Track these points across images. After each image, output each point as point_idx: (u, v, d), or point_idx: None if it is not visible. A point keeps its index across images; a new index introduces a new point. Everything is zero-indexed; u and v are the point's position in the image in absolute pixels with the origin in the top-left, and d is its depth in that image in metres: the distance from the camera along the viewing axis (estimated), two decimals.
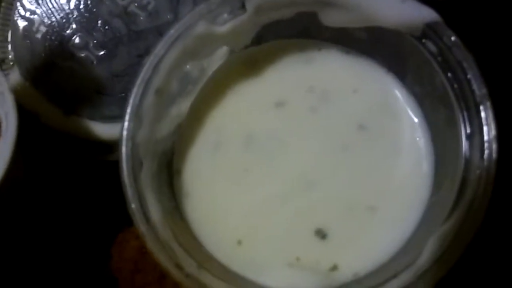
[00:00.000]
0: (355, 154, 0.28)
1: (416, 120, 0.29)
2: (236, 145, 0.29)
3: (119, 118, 0.28)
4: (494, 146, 0.23)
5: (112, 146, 0.34)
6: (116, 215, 0.28)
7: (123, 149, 0.25)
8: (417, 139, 0.28)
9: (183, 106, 0.30)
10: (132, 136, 0.26)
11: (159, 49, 0.27)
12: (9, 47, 0.35)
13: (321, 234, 0.27)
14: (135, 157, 0.26)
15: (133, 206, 0.25)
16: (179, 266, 0.24)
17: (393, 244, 0.26)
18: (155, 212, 0.25)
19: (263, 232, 0.27)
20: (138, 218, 0.24)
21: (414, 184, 0.27)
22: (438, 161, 0.27)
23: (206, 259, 0.26)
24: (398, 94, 0.29)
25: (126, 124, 0.26)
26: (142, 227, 0.24)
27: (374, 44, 0.29)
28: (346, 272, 0.26)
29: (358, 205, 0.27)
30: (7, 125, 0.26)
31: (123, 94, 0.34)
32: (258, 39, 0.31)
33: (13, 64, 0.35)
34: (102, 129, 0.34)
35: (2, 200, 0.26)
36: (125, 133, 0.25)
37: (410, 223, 0.26)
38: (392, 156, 0.28)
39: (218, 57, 0.30)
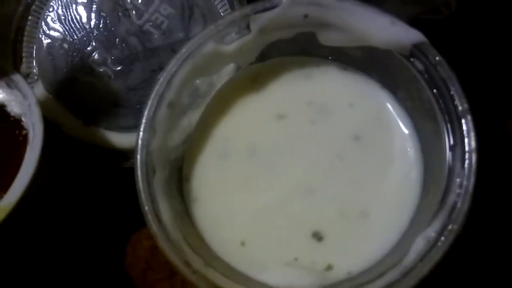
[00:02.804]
0: (350, 163, 0.31)
1: (406, 131, 0.31)
2: (241, 154, 0.32)
3: (134, 128, 0.31)
4: (474, 157, 0.25)
5: (127, 154, 0.37)
6: (130, 217, 0.30)
7: (138, 157, 0.28)
8: (408, 149, 0.30)
9: (193, 118, 0.33)
10: (146, 145, 0.28)
11: (171, 66, 0.30)
12: (34, 62, 0.38)
13: (317, 237, 0.29)
14: (149, 164, 0.28)
15: (146, 208, 0.27)
16: (187, 263, 0.26)
17: (384, 245, 0.28)
18: (166, 214, 0.27)
19: (264, 234, 0.30)
20: (150, 219, 0.27)
21: (404, 190, 0.29)
22: (426, 169, 0.29)
23: (212, 258, 0.28)
24: (391, 108, 0.31)
25: (141, 134, 0.28)
26: (154, 227, 0.27)
27: (368, 62, 0.31)
28: (340, 272, 0.28)
29: (352, 210, 0.29)
30: (34, 135, 0.29)
31: (138, 106, 0.37)
32: (262, 57, 0.33)
33: (37, 79, 0.38)
34: (119, 139, 0.37)
35: (30, 201, 0.29)
36: (140, 142, 0.28)
37: (399, 227, 0.28)
38: (385, 165, 0.30)
39: (226, 73, 0.33)
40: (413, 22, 0.28)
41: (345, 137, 0.31)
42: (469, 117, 0.26)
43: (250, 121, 0.33)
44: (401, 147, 0.31)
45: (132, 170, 0.28)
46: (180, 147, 0.32)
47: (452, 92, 0.26)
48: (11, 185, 0.27)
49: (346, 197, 0.30)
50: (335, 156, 0.31)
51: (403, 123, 0.31)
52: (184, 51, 0.30)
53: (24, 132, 0.30)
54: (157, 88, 0.29)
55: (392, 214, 0.29)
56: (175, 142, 0.31)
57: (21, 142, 0.29)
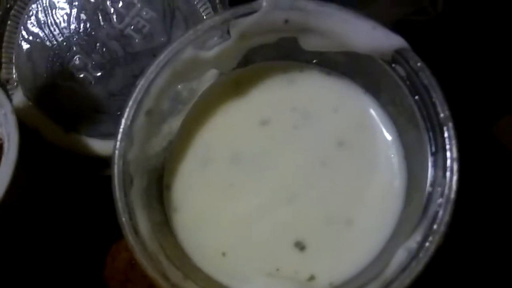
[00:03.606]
0: (334, 169, 0.30)
1: (390, 138, 0.30)
2: (223, 161, 0.31)
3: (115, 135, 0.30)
4: (455, 166, 0.24)
5: (108, 161, 0.36)
6: (111, 226, 0.30)
7: (115, 167, 0.27)
8: (391, 155, 0.30)
9: (174, 125, 0.32)
10: (123, 155, 0.28)
11: (149, 73, 0.29)
12: (14, 68, 0.37)
13: (300, 246, 0.29)
14: (126, 174, 0.28)
15: (123, 219, 0.26)
16: (165, 277, 0.25)
17: (367, 255, 0.28)
18: (143, 225, 0.27)
19: (246, 244, 0.29)
20: (127, 230, 0.26)
21: (388, 198, 0.29)
22: (409, 177, 0.29)
23: (192, 270, 0.28)
24: (374, 114, 0.31)
25: (118, 144, 0.28)
26: (131, 239, 0.26)
27: (351, 67, 0.31)
28: (323, 282, 0.27)
29: (336, 217, 0.29)
30: (9, 146, 0.29)
31: (119, 113, 0.36)
32: (245, 62, 0.33)
33: (16, 85, 0.37)
34: (100, 146, 0.36)
35: (7, 210, 0.28)
36: (117, 152, 0.27)
37: (383, 235, 0.28)
38: (368, 171, 0.30)
39: (207, 78, 0.32)
40: (400, 24, 0.27)
41: (329, 143, 0.31)
42: (450, 125, 0.25)
43: (233, 127, 0.32)
44: (384, 153, 0.30)
45: None
46: (160, 154, 0.31)
47: (433, 99, 0.26)
48: None
49: (330, 205, 0.29)
50: (319, 162, 0.30)
51: (386, 129, 0.31)
52: (162, 57, 0.29)
53: None
54: (135, 95, 0.29)
55: (376, 222, 0.29)
56: (155, 150, 0.30)
57: None
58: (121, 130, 0.28)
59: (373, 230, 0.29)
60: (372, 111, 0.31)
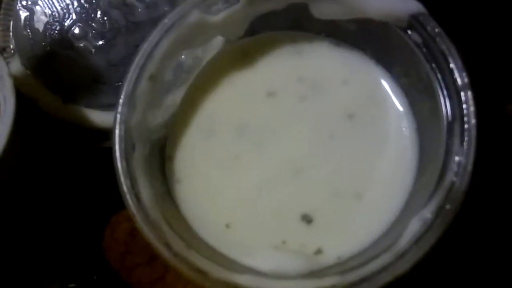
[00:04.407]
0: (343, 142, 0.29)
1: (402, 110, 0.29)
2: (228, 132, 0.30)
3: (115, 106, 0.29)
4: (474, 133, 0.24)
5: (108, 133, 0.35)
6: (109, 198, 0.29)
7: (116, 131, 0.26)
8: (403, 128, 0.29)
9: (177, 95, 0.31)
10: (125, 120, 0.27)
11: (153, 36, 0.28)
12: (11, 36, 0.36)
13: (307, 219, 0.28)
14: (128, 140, 0.26)
15: (124, 187, 0.25)
16: (167, 245, 0.24)
17: (376, 229, 0.27)
18: (146, 193, 0.26)
19: (251, 216, 0.28)
20: (128, 198, 0.25)
21: (399, 171, 0.28)
22: (422, 149, 0.28)
23: (195, 241, 0.27)
24: (386, 85, 0.30)
25: (119, 108, 0.26)
26: (132, 207, 0.25)
27: (363, 36, 0.30)
28: (330, 256, 0.26)
29: (344, 191, 0.28)
30: (5, 109, 0.27)
31: (119, 83, 0.35)
32: (252, 31, 0.31)
33: (14, 53, 0.36)
34: (99, 117, 0.35)
35: (2, 177, 0.27)
36: (118, 116, 0.26)
37: (393, 209, 0.27)
38: (379, 144, 0.29)
39: (213, 46, 0.31)
40: None
41: (338, 115, 0.30)
42: (469, 92, 0.24)
43: (238, 98, 0.31)
44: (396, 126, 0.29)
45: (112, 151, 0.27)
46: (163, 127, 0.30)
47: (451, 66, 0.25)
48: None
49: (338, 178, 0.28)
50: (327, 135, 0.29)
51: (398, 101, 0.30)
52: (167, 21, 0.28)
53: None
54: (138, 59, 0.27)
55: (386, 196, 0.28)
56: (158, 121, 0.29)
57: None
58: (123, 94, 0.27)
59: (383, 204, 0.28)
60: (384, 83, 0.30)
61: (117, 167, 0.26)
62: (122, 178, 0.25)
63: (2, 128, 0.26)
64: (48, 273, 0.31)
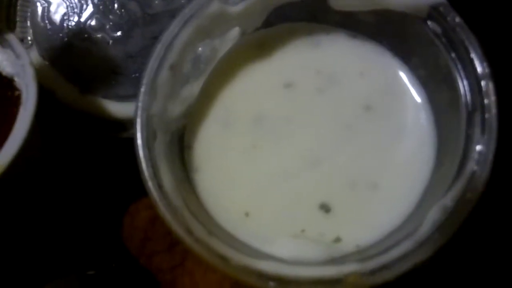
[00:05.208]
0: (360, 133, 0.29)
1: (420, 101, 0.29)
2: (246, 123, 0.30)
3: (133, 97, 0.29)
4: (495, 123, 0.24)
5: (125, 124, 0.35)
6: (128, 188, 0.29)
7: (138, 120, 0.26)
8: (421, 119, 0.29)
9: (195, 87, 0.31)
10: (146, 109, 0.27)
11: (173, 26, 0.28)
12: (29, 27, 0.36)
13: (325, 208, 0.28)
14: (149, 128, 0.27)
15: (146, 174, 0.26)
16: (189, 231, 0.25)
17: (394, 218, 0.27)
18: (167, 180, 0.26)
19: (270, 205, 0.28)
20: (151, 185, 0.25)
21: (417, 162, 0.28)
22: (440, 140, 0.28)
23: (215, 229, 0.27)
24: (403, 77, 0.30)
25: (141, 96, 0.27)
26: (154, 194, 0.25)
27: (381, 28, 0.30)
28: (349, 244, 0.27)
29: (361, 181, 0.28)
30: (28, 96, 0.28)
31: (137, 75, 0.35)
32: (269, 23, 0.32)
33: (31, 44, 0.36)
34: (116, 108, 0.35)
35: (23, 164, 0.27)
36: (140, 105, 0.27)
37: (411, 199, 0.27)
38: (396, 135, 0.29)
39: (230, 38, 0.31)
40: None
41: (355, 107, 0.30)
42: (490, 82, 0.24)
43: (256, 89, 0.31)
44: (413, 117, 0.29)
45: (130, 141, 0.27)
46: (182, 117, 0.30)
47: (472, 56, 0.25)
48: (4, 145, 0.26)
49: (355, 168, 0.29)
50: (344, 126, 0.30)
51: (416, 92, 0.30)
52: (187, 11, 0.28)
53: (17, 92, 0.28)
54: (158, 49, 0.28)
55: (403, 187, 0.28)
56: (177, 112, 0.30)
57: (14, 102, 0.28)
58: (144, 82, 0.27)
59: (401, 194, 0.28)
60: (401, 75, 0.30)
61: (139, 154, 0.26)
62: (144, 166, 0.26)
63: (25, 114, 0.27)
64: (67, 261, 0.31)
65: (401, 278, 0.23)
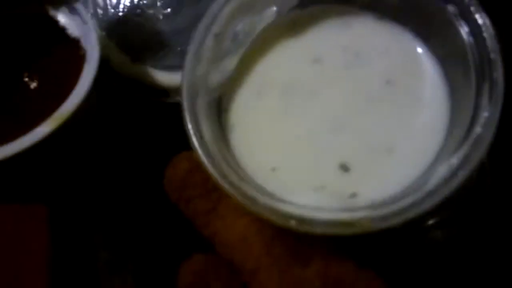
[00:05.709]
0: (380, 104, 0.32)
1: (436, 78, 0.32)
2: (276, 92, 0.34)
3: (177, 68, 0.34)
4: (501, 92, 0.26)
5: (169, 91, 0.39)
6: (170, 143, 0.33)
7: (185, 79, 0.30)
8: (437, 93, 0.32)
9: (234, 60, 0.35)
10: (192, 70, 0.31)
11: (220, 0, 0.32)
12: (90, 2, 0.41)
13: (344, 168, 0.31)
14: (194, 87, 0.31)
15: (189, 125, 0.30)
16: (224, 176, 0.28)
17: (407, 178, 0.30)
18: (207, 133, 0.30)
19: (294, 162, 0.32)
20: (193, 134, 0.29)
21: (431, 130, 0.31)
22: (453, 110, 0.31)
23: (245, 178, 0.30)
24: (422, 55, 0.33)
25: (189, 57, 0.31)
26: (195, 142, 0.29)
27: (403, 9, 0.33)
28: (364, 199, 0.29)
29: (379, 146, 0.31)
30: (91, 55, 0.32)
31: (181, 48, 0.40)
32: (302, 4, 0.35)
33: (91, 17, 0.41)
34: (163, 76, 0.39)
35: (83, 116, 0.31)
36: (188, 65, 0.31)
37: (424, 162, 0.30)
38: (413, 108, 0.32)
39: (267, 16, 0.35)
40: None
41: (378, 81, 0.33)
42: (498, 57, 0.27)
43: (287, 62, 0.35)
44: (430, 91, 0.32)
45: (173, 106, 0.31)
46: (220, 87, 0.34)
47: (484, 34, 0.28)
48: (71, 93, 0.30)
49: (374, 134, 0.32)
50: (367, 97, 0.33)
51: (433, 70, 0.33)
52: None
53: (82, 52, 0.33)
54: (205, 20, 0.32)
55: (418, 151, 0.31)
56: (217, 80, 0.33)
57: (80, 60, 0.32)
58: (192, 46, 0.31)
59: (414, 158, 0.30)
60: (421, 53, 0.33)
61: (185, 108, 0.30)
62: (187, 117, 0.30)
63: (89, 70, 0.31)
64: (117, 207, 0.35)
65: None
